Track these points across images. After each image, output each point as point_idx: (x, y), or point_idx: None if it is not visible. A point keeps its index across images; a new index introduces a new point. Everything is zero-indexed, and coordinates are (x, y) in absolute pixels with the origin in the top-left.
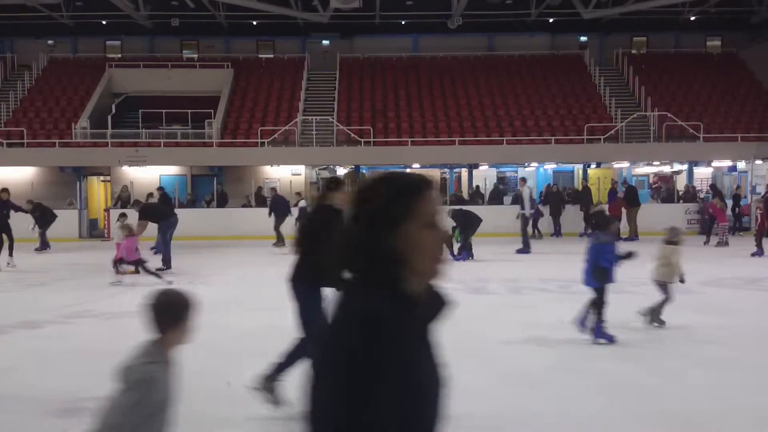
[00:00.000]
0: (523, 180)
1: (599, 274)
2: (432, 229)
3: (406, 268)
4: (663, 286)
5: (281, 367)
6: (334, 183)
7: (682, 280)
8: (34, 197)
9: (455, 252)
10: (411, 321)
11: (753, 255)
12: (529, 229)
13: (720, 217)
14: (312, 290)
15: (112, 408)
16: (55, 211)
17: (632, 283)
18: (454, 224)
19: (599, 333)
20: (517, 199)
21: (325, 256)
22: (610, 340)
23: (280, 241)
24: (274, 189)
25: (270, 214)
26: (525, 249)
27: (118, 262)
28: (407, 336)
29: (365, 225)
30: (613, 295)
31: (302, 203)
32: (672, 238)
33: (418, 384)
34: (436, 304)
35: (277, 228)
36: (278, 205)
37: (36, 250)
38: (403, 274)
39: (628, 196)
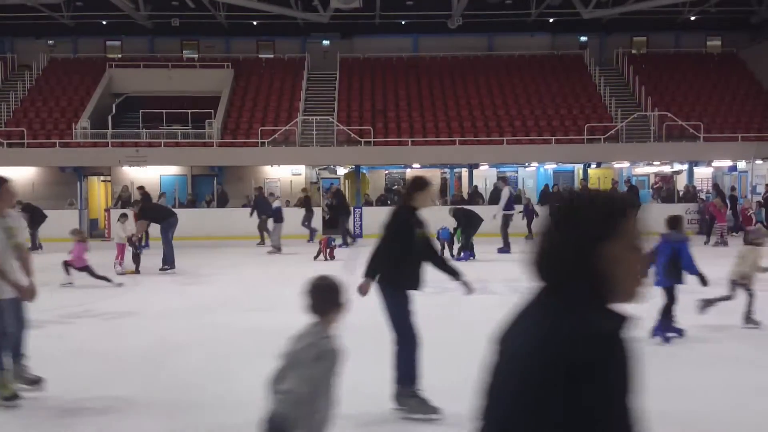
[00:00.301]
0: (504, 180)
1: (674, 273)
2: (636, 251)
3: (607, 288)
4: (742, 286)
5: (407, 380)
6: (419, 183)
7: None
8: (35, 197)
9: (455, 252)
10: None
11: None
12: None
13: (719, 217)
14: (399, 291)
15: (298, 381)
16: (57, 212)
17: None
18: (456, 224)
19: (660, 331)
20: (496, 199)
21: (404, 256)
22: (666, 340)
23: (268, 241)
24: (259, 188)
25: (251, 214)
26: (505, 249)
27: (67, 265)
28: (619, 357)
29: (570, 241)
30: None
31: (276, 203)
32: (754, 239)
33: (623, 406)
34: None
35: (260, 228)
36: (261, 206)
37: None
38: (603, 293)
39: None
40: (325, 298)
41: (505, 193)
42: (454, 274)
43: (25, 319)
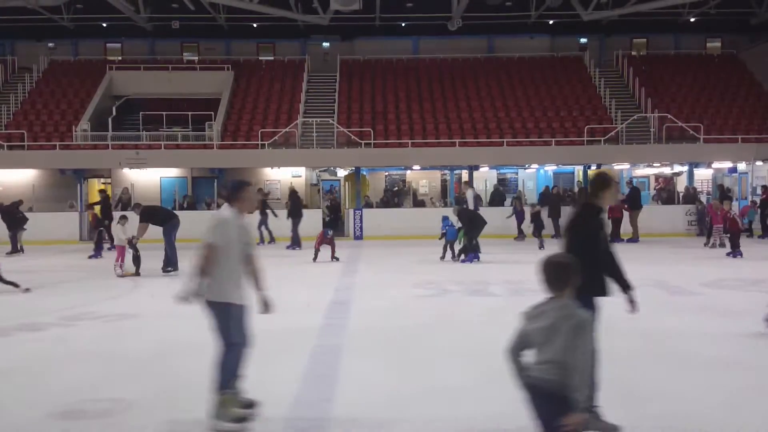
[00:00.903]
0: (467, 183)
1: None
2: None
3: None
4: None
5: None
6: (604, 181)
7: None
8: (35, 199)
9: (456, 254)
10: None
11: (730, 255)
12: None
13: (715, 219)
14: (587, 299)
15: (562, 350)
16: (57, 214)
17: None
18: (460, 224)
19: None
20: (461, 201)
21: (593, 259)
22: None
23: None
24: (261, 188)
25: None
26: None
27: None
28: None
29: None
30: (604, 298)
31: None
32: None
33: None
34: None
35: None
36: None
37: (7, 254)
38: None
39: (631, 199)
40: (561, 274)
41: (470, 195)
42: (627, 287)
43: (249, 335)
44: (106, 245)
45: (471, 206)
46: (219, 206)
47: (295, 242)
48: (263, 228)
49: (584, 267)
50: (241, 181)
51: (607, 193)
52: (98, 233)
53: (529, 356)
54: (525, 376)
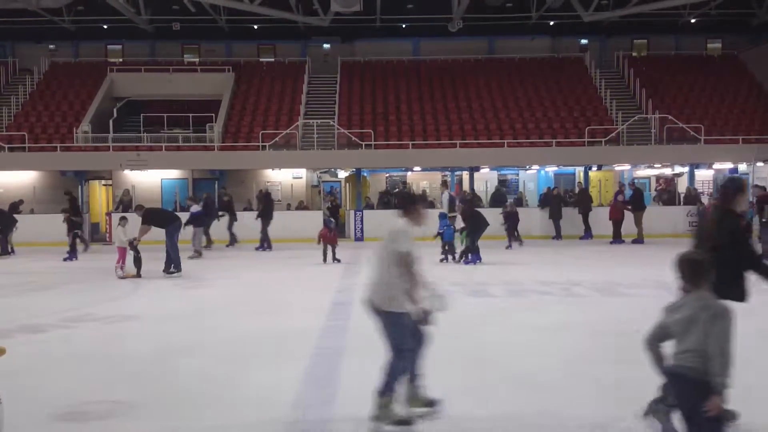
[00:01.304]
0: (445, 184)
1: None
2: None
3: None
4: None
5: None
6: (739, 186)
7: None
8: (36, 201)
9: (457, 255)
10: None
11: None
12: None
13: None
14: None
15: (702, 339)
16: (57, 215)
17: (626, 285)
18: (462, 225)
19: None
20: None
21: (740, 265)
22: None
23: (209, 243)
24: (223, 189)
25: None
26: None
27: None
28: None
29: None
30: (608, 298)
31: (195, 208)
32: None
33: None
34: None
35: (206, 233)
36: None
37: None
38: None
39: (634, 200)
40: (696, 271)
41: (444, 197)
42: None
43: (424, 335)
44: (81, 246)
45: (445, 208)
46: (188, 208)
47: (265, 243)
48: (230, 229)
49: (724, 271)
50: (413, 195)
51: (741, 197)
52: (72, 235)
53: (668, 347)
54: (665, 366)
